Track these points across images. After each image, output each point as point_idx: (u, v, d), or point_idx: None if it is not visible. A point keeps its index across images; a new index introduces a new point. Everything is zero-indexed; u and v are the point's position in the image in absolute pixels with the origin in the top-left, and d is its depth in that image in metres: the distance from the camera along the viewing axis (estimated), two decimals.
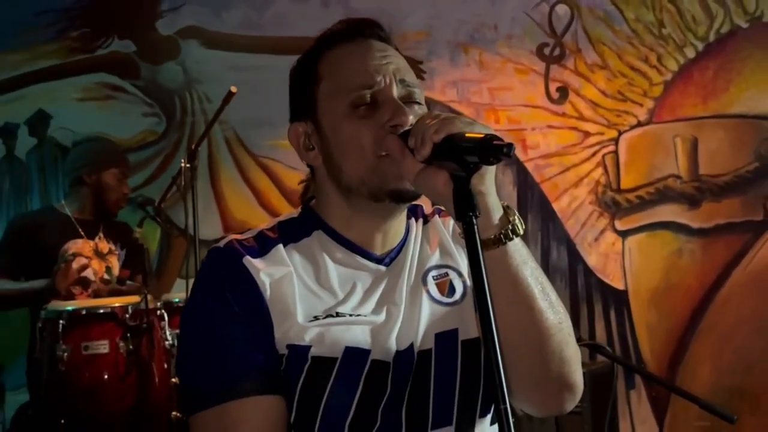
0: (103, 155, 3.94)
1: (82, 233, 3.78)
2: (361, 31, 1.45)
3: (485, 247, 1.25)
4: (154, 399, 3.32)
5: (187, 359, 1.43)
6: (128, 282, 3.80)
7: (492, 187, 1.29)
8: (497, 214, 1.30)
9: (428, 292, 1.44)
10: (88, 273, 3.65)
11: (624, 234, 3.96)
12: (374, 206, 1.41)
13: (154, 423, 3.33)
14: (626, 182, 3.95)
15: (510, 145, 1.19)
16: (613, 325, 3.96)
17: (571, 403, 1.41)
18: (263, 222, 1.49)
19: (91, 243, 3.73)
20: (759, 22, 3.79)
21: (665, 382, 3.59)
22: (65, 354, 3.28)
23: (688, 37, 3.88)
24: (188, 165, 3.40)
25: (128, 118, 4.86)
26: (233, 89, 3.35)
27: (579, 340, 2.69)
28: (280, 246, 1.41)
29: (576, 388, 1.39)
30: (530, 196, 4.11)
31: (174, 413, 3.19)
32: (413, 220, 1.51)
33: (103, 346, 3.31)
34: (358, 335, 1.35)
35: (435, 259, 1.48)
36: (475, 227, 1.20)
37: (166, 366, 3.35)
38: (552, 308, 1.33)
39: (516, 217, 1.31)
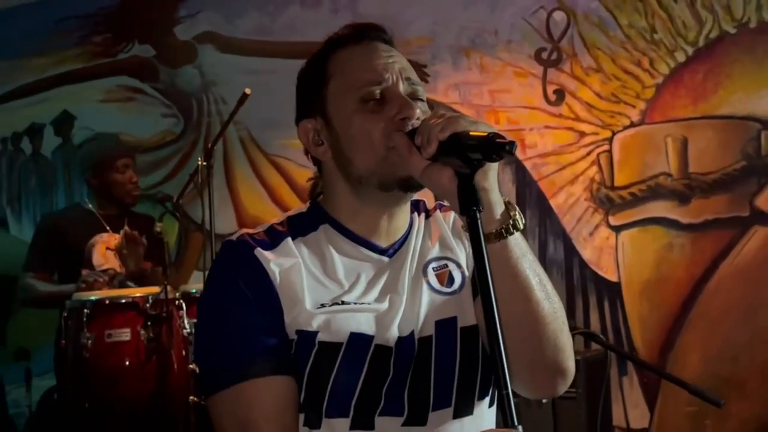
0: (99, 156, 3.95)
1: (108, 228, 3.85)
2: (367, 33, 1.48)
3: (487, 240, 1.27)
4: (172, 384, 3.39)
5: (203, 345, 1.47)
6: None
7: (495, 183, 1.32)
8: (499, 209, 1.32)
9: (428, 282, 1.46)
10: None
11: (617, 229, 3.96)
12: (382, 195, 1.43)
13: (172, 407, 3.40)
14: (619, 180, 3.95)
15: (512, 143, 1.22)
16: (607, 315, 3.98)
17: (563, 387, 1.44)
18: (276, 217, 1.51)
19: (116, 236, 3.77)
20: (746, 28, 3.77)
21: (656, 369, 3.63)
22: (89, 341, 3.35)
23: (678, 42, 3.87)
24: (205, 163, 3.48)
25: (148, 118, 4.93)
26: (247, 91, 3.43)
27: (574, 329, 2.82)
28: (289, 239, 1.44)
29: (568, 373, 1.41)
30: (528, 193, 4.12)
31: (191, 397, 3.28)
32: (416, 214, 1.53)
33: (125, 334, 3.38)
34: (363, 322, 1.38)
35: (435, 251, 1.50)
36: (479, 221, 1.24)
37: (184, 353, 3.41)
38: (548, 299, 1.36)
39: (517, 213, 1.33)
